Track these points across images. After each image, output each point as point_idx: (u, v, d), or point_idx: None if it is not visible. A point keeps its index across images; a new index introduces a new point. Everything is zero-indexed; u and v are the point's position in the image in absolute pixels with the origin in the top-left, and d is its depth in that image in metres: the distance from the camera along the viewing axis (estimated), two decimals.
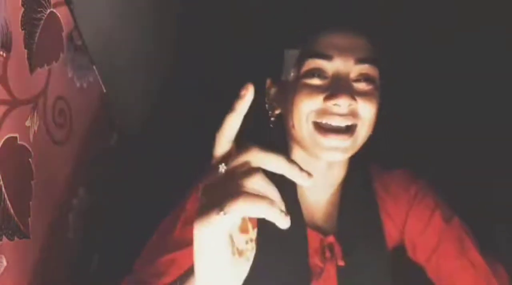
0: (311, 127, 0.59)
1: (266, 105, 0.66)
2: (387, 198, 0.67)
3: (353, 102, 0.57)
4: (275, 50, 0.64)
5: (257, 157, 0.37)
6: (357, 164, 0.67)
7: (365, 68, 0.59)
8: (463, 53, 0.82)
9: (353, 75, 0.59)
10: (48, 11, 0.64)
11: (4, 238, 0.54)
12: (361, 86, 0.59)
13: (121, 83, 0.84)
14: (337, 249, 0.63)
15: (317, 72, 0.59)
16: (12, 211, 0.55)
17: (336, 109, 0.57)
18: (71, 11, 0.70)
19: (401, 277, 0.66)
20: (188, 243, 0.40)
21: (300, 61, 0.60)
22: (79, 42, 0.73)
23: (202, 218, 0.36)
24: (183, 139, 0.87)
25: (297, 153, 0.65)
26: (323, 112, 0.58)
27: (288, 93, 0.61)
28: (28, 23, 0.59)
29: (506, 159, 0.76)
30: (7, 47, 0.54)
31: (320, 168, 0.64)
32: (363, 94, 0.58)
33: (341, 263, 0.62)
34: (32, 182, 0.60)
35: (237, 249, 0.39)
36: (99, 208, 0.80)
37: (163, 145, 0.88)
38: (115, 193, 0.84)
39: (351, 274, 0.63)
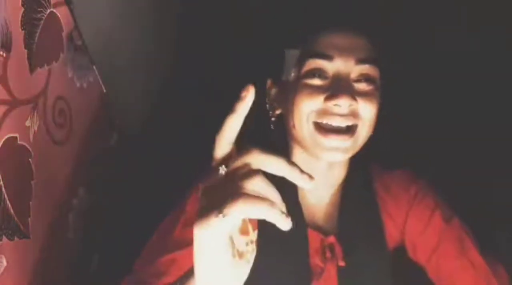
0: (311, 127, 0.59)
1: (267, 105, 0.66)
2: (387, 198, 0.67)
3: (353, 102, 0.57)
4: (275, 50, 0.64)
5: (258, 160, 0.37)
6: (358, 164, 0.67)
7: (365, 68, 0.59)
8: (463, 53, 0.82)
9: (353, 75, 0.59)
10: (48, 11, 0.64)
11: (4, 238, 0.54)
12: (362, 86, 0.59)
13: (121, 83, 0.84)
14: (338, 249, 0.63)
15: (318, 72, 0.59)
16: (12, 211, 0.55)
17: (336, 110, 0.57)
18: (71, 11, 0.70)
19: (402, 277, 0.66)
20: (188, 243, 0.40)
21: (300, 61, 0.60)
22: (79, 42, 0.73)
23: (202, 220, 0.36)
24: (183, 139, 0.87)
25: (297, 154, 0.65)
26: (324, 112, 0.58)
27: (289, 93, 0.61)
28: (28, 23, 0.59)
29: (506, 159, 0.76)
30: (7, 47, 0.54)
31: (320, 168, 0.64)
32: (364, 95, 0.58)
33: (341, 263, 0.62)
34: (32, 182, 0.60)
35: (238, 251, 0.39)
36: (99, 208, 0.80)
37: (163, 145, 0.88)
38: (115, 193, 0.84)
39: (352, 274, 0.63)
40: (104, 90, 0.81)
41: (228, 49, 0.89)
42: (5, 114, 0.54)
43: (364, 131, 0.59)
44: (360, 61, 0.58)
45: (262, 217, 0.35)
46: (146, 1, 0.87)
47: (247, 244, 0.40)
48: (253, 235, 0.40)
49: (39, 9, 0.62)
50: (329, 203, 0.67)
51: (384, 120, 0.62)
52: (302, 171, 0.37)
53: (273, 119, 0.66)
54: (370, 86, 0.59)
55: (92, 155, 0.78)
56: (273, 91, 0.66)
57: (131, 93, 0.87)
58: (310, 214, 0.66)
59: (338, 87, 0.57)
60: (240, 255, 0.39)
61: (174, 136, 0.88)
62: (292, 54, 0.61)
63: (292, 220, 0.36)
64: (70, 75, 0.71)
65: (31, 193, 0.60)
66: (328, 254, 0.63)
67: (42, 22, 0.62)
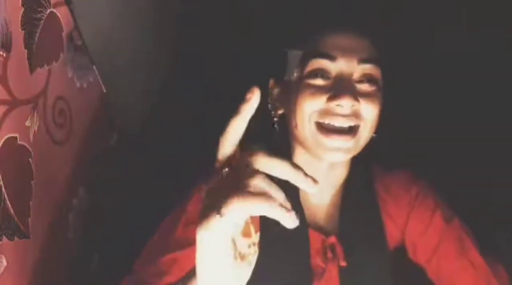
0: (313, 127, 0.59)
1: (269, 105, 0.66)
2: (388, 199, 0.67)
3: (356, 103, 0.57)
4: (275, 50, 0.64)
5: (262, 162, 0.36)
6: (359, 164, 0.67)
7: (368, 68, 0.59)
8: (463, 53, 0.82)
9: (356, 75, 0.59)
10: (48, 11, 0.64)
11: (4, 238, 0.54)
12: (364, 87, 0.59)
13: (121, 83, 0.84)
14: (339, 249, 0.63)
15: (321, 73, 0.59)
16: (12, 211, 0.55)
17: (339, 110, 0.57)
18: (71, 11, 0.70)
19: (402, 277, 0.66)
20: (189, 243, 0.40)
21: (303, 62, 0.60)
22: (79, 42, 0.73)
23: (203, 221, 0.36)
24: (183, 139, 0.87)
25: (299, 154, 0.65)
26: (326, 113, 0.58)
27: (291, 93, 0.61)
28: (28, 23, 0.59)
29: (506, 159, 0.76)
30: (7, 47, 0.54)
31: (322, 168, 0.64)
32: (366, 95, 0.58)
33: (343, 263, 0.63)
34: (32, 182, 0.60)
35: (240, 253, 0.39)
36: (99, 208, 0.80)
37: (163, 145, 0.88)
38: (115, 193, 0.84)
39: (353, 274, 0.63)
40: (104, 90, 0.81)
41: (228, 49, 0.89)
42: (5, 114, 0.54)
43: (366, 132, 0.60)
44: (362, 61, 0.58)
45: (261, 213, 0.35)
46: (146, 1, 0.87)
47: (249, 246, 0.40)
48: (255, 237, 0.40)
49: (39, 9, 0.62)
50: (330, 203, 0.68)
51: (384, 120, 0.62)
52: (306, 175, 0.36)
53: (275, 119, 0.66)
54: (373, 87, 0.59)
55: (92, 155, 0.78)
56: (276, 91, 0.66)
57: (131, 93, 0.87)
58: (311, 215, 0.66)
59: (340, 87, 0.57)
60: (242, 257, 0.39)
61: (174, 136, 0.88)
62: (295, 54, 0.61)
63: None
64: (70, 75, 0.71)
65: (31, 193, 0.60)
66: (329, 255, 0.63)
67: (42, 22, 0.62)
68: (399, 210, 0.67)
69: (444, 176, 0.70)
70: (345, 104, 0.57)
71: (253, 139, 0.38)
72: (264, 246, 0.42)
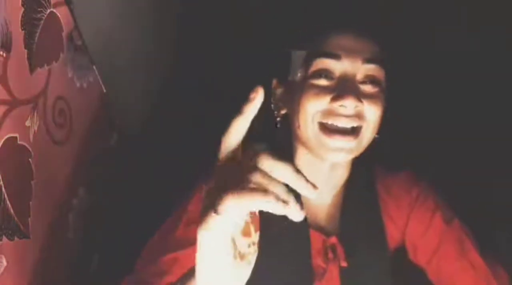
0: (316, 127, 0.59)
1: (272, 105, 0.66)
2: (389, 200, 0.67)
3: (359, 103, 0.57)
4: (279, 50, 0.64)
5: (265, 163, 0.36)
6: (360, 165, 0.67)
7: (371, 69, 0.59)
8: (463, 53, 0.82)
9: (359, 76, 0.59)
10: (48, 11, 0.64)
11: (4, 238, 0.54)
12: (368, 88, 0.59)
13: (121, 83, 0.84)
14: (340, 250, 0.64)
15: (324, 73, 0.59)
16: (12, 211, 0.55)
17: (342, 110, 0.58)
18: (71, 11, 0.70)
19: (402, 278, 0.66)
20: (190, 242, 0.40)
21: (307, 62, 0.60)
22: (79, 42, 0.73)
23: (202, 221, 0.36)
24: (183, 139, 0.87)
25: (301, 154, 0.65)
26: (329, 113, 0.58)
27: (295, 93, 0.61)
28: (28, 23, 0.59)
29: (506, 159, 0.76)
30: (7, 47, 0.54)
31: (324, 169, 0.64)
32: (369, 96, 0.59)
33: (343, 264, 0.63)
34: (32, 182, 0.60)
35: (239, 252, 0.39)
36: (99, 208, 0.80)
37: (163, 145, 0.88)
38: (115, 193, 0.84)
39: (354, 275, 0.63)
40: (104, 90, 0.81)
41: (228, 49, 0.89)
42: (5, 114, 0.54)
43: (368, 133, 0.60)
44: (366, 61, 0.58)
45: (258, 208, 0.35)
46: (146, 1, 0.87)
47: (249, 245, 0.40)
48: (255, 236, 0.40)
49: (39, 9, 0.62)
50: (331, 204, 0.68)
51: (385, 120, 0.62)
52: (307, 180, 0.36)
53: (278, 119, 0.66)
54: (376, 88, 0.59)
55: (92, 155, 0.78)
56: (279, 91, 0.66)
57: (131, 93, 0.87)
58: (312, 215, 0.66)
59: (344, 88, 0.58)
60: (242, 256, 0.39)
61: (174, 136, 0.88)
62: (299, 54, 0.61)
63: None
64: (70, 75, 0.71)
65: (31, 193, 0.60)
66: (330, 255, 0.63)
67: (42, 22, 0.62)
68: (400, 211, 0.67)
69: (444, 176, 0.70)
70: (348, 105, 0.57)
71: (256, 139, 0.38)
72: (265, 246, 0.42)
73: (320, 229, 0.65)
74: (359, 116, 0.58)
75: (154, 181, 0.84)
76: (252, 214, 0.39)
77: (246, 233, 0.39)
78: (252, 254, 0.40)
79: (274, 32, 0.69)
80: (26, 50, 0.58)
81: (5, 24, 0.54)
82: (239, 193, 0.35)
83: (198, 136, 0.76)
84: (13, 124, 0.55)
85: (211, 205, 0.36)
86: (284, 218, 0.36)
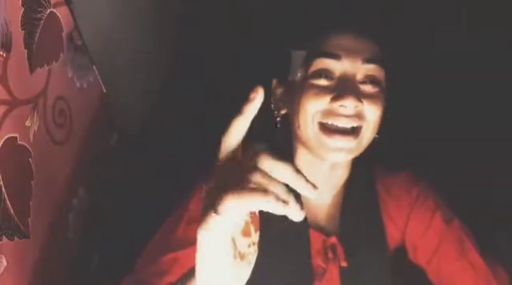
0: (316, 127, 0.59)
1: (272, 105, 0.66)
2: (388, 200, 0.67)
3: (359, 104, 0.57)
4: (279, 50, 0.64)
5: (265, 163, 0.36)
6: (360, 165, 0.67)
7: (371, 69, 0.59)
8: (463, 53, 0.82)
9: (359, 76, 0.59)
10: (48, 11, 0.64)
11: (4, 238, 0.54)
12: (368, 88, 0.59)
13: (121, 83, 0.84)
14: (340, 250, 0.64)
15: (324, 73, 0.59)
16: (12, 211, 0.55)
17: (342, 110, 0.58)
18: (71, 11, 0.70)
19: (402, 278, 0.66)
20: (191, 242, 0.40)
21: (307, 61, 0.60)
22: (79, 42, 0.73)
23: (202, 221, 0.36)
24: (183, 139, 0.87)
25: (301, 154, 0.65)
26: (329, 113, 0.58)
27: (295, 93, 0.61)
28: (28, 23, 0.59)
29: (506, 159, 0.76)
30: (7, 47, 0.54)
31: (324, 169, 0.64)
32: (369, 96, 0.59)
33: (343, 264, 0.63)
34: (32, 182, 0.60)
35: (239, 252, 0.39)
36: (99, 208, 0.80)
37: (163, 145, 0.88)
38: (115, 193, 0.84)
39: (354, 275, 0.63)
40: (104, 90, 0.81)
41: (228, 49, 0.89)
42: (5, 114, 0.54)
43: (368, 133, 0.60)
44: (366, 60, 0.59)
45: (258, 208, 0.35)
46: (146, 1, 0.87)
47: (249, 245, 0.40)
48: (255, 236, 0.40)
49: (39, 9, 0.62)
50: (331, 203, 0.68)
51: (385, 120, 0.62)
52: (307, 181, 0.36)
53: (278, 119, 0.66)
54: (376, 88, 0.59)
55: (92, 155, 0.78)
56: (279, 91, 0.66)
57: (131, 93, 0.87)
58: (312, 215, 0.66)
59: (344, 88, 0.58)
60: (242, 256, 0.39)
61: (174, 136, 0.88)
62: (299, 54, 0.61)
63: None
64: (70, 75, 0.71)
65: (31, 193, 0.60)
66: (330, 255, 0.63)
67: (42, 22, 0.62)
68: (400, 211, 0.67)
69: (444, 176, 0.70)
70: (348, 105, 0.57)
71: (256, 139, 0.38)
72: (265, 246, 0.42)
73: (320, 229, 0.65)
74: (359, 116, 0.58)
75: (154, 181, 0.84)
76: (252, 214, 0.39)
77: (246, 233, 0.39)
78: (252, 254, 0.40)
79: (274, 32, 0.69)
80: (26, 50, 0.58)
81: (5, 24, 0.54)
82: (239, 193, 0.35)
83: (198, 136, 0.76)
84: (13, 124, 0.55)
85: (211, 205, 0.36)
86: (284, 218, 0.36)
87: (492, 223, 0.73)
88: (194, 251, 0.39)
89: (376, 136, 0.62)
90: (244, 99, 0.37)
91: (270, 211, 0.35)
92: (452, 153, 0.80)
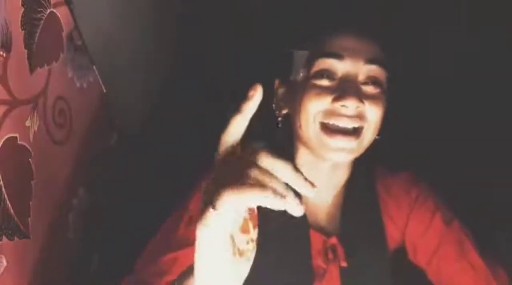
0: (318, 127, 0.59)
1: (273, 105, 0.66)
2: (389, 200, 0.67)
3: (360, 104, 0.57)
4: (281, 50, 0.64)
5: (265, 161, 0.36)
6: (361, 166, 0.67)
7: (373, 69, 0.59)
8: (463, 53, 0.82)
9: (361, 77, 0.59)
10: (48, 11, 0.64)
11: (4, 238, 0.54)
12: (369, 89, 0.59)
13: (121, 83, 0.84)
14: (340, 250, 0.64)
15: (326, 73, 0.59)
16: (12, 211, 0.55)
17: (344, 111, 0.58)
18: (71, 11, 0.70)
19: (402, 279, 0.66)
20: (191, 242, 0.40)
21: (310, 62, 0.60)
22: (79, 42, 0.73)
23: (201, 217, 0.36)
24: (183, 139, 0.87)
25: (302, 154, 0.65)
26: (331, 113, 0.58)
27: (296, 93, 0.61)
28: (28, 23, 0.59)
29: (506, 159, 0.76)
30: (7, 47, 0.54)
31: (324, 169, 0.64)
32: (371, 97, 0.59)
33: (343, 264, 0.63)
34: (32, 182, 0.60)
35: (238, 249, 0.39)
36: (99, 208, 0.80)
37: (163, 145, 0.88)
38: (115, 193, 0.84)
39: (354, 275, 0.63)
40: (104, 90, 0.81)
41: (228, 49, 0.89)
42: (5, 114, 0.54)
43: (369, 134, 0.60)
44: (368, 61, 0.59)
45: (256, 203, 0.35)
46: (146, 1, 0.87)
47: (247, 242, 0.40)
48: (254, 233, 0.40)
49: (39, 9, 0.62)
50: (331, 204, 0.68)
51: (385, 121, 0.62)
52: (306, 179, 0.36)
53: (279, 119, 0.66)
54: (377, 89, 0.60)
55: (92, 155, 0.78)
56: (281, 91, 0.66)
57: (131, 93, 0.87)
58: (312, 215, 0.66)
59: (346, 88, 0.58)
60: (241, 253, 0.39)
61: (174, 136, 0.88)
62: (301, 54, 0.61)
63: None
64: (70, 75, 0.71)
65: (31, 193, 0.60)
66: (330, 255, 0.63)
67: (42, 22, 0.62)
68: (400, 211, 0.67)
69: (444, 176, 0.70)
70: (350, 105, 0.57)
71: (255, 138, 0.38)
72: (265, 247, 0.42)
73: (321, 229, 0.65)
74: (360, 116, 0.58)
75: (154, 181, 0.84)
76: (250, 210, 0.39)
77: (244, 230, 0.39)
78: (250, 251, 0.40)
79: (274, 32, 0.69)
80: (26, 50, 0.58)
81: (5, 24, 0.54)
82: (238, 188, 0.34)
83: (198, 136, 0.76)
84: (13, 124, 0.55)
85: (209, 201, 0.36)
86: (283, 213, 0.36)
87: (492, 223, 0.73)
88: (194, 251, 0.39)
89: (377, 137, 0.62)
90: (244, 99, 0.37)
91: (269, 206, 0.35)
92: (452, 153, 0.80)
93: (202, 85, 0.90)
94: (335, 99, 0.58)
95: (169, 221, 0.64)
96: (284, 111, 0.66)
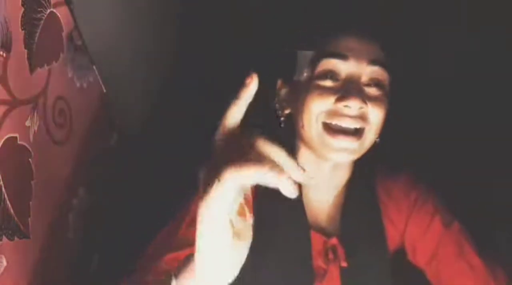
0: (320, 127, 0.59)
1: (276, 105, 0.67)
2: (389, 203, 0.68)
3: (363, 105, 0.58)
4: (281, 50, 0.64)
5: (261, 145, 0.37)
6: (361, 167, 0.67)
7: (376, 70, 0.60)
8: (463, 53, 0.82)
9: (364, 79, 0.60)
10: (48, 11, 0.64)
11: (4, 238, 0.54)
12: (372, 90, 0.60)
13: (121, 83, 0.84)
14: (340, 251, 0.64)
15: (330, 74, 0.60)
16: (12, 211, 0.55)
17: (346, 111, 0.58)
18: (71, 11, 0.70)
19: (402, 279, 0.66)
20: (192, 243, 0.41)
21: (314, 62, 0.60)
22: (79, 42, 0.73)
23: (204, 194, 0.37)
24: (183, 139, 0.87)
25: (304, 154, 0.65)
26: (334, 113, 0.59)
27: (299, 93, 0.62)
28: (28, 23, 0.59)
29: (506, 159, 0.76)
30: (7, 47, 0.54)
31: (326, 169, 0.65)
32: (374, 99, 0.59)
33: (344, 264, 0.63)
34: (32, 182, 0.60)
35: (236, 231, 0.40)
36: (99, 208, 0.80)
37: (163, 145, 0.88)
38: (115, 193, 0.84)
39: (354, 275, 0.63)
40: (104, 90, 0.81)
41: (228, 49, 0.89)
42: (5, 114, 0.54)
43: (371, 135, 0.60)
44: (372, 62, 0.59)
45: (256, 180, 0.36)
46: (146, 1, 0.87)
47: (245, 225, 0.41)
48: (250, 219, 0.41)
49: (39, 9, 0.62)
50: (332, 204, 0.68)
51: (386, 121, 0.62)
52: (298, 164, 0.37)
53: (282, 118, 0.67)
54: (380, 91, 0.60)
55: (92, 155, 0.78)
56: (283, 91, 0.67)
57: (131, 93, 0.87)
58: (313, 216, 0.66)
59: (349, 89, 0.58)
60: (239, 235, 0.40)
61: (174, 136, 0.88)
62: (305, 54, 0.62)
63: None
64: (70, 75, 0.71)
65: (31, 193, 0.60)
66: (331, 256, 0.63)
67: (42, 22, 0.62)
68: (400, 215, 0.67)
69: (444, 176, 0.70)
70: (353, 106, 0.57)
71: (252, 126, 0.39)
72: (266, 246, 0.42)
73: (321, 230, 0.66)
74: (362, 117, 0.59)
75: (154, 181, 0.84)
76: (246, 196, 0.41)
77: (241, 213, 0.41)
78: (248, 236, 0.41)
79: (274, 32, 0.69)
80: (26, 50, 0.58)
81: (5, 24, 0.54)
82: (240, 164, 0.36)
83: (198, 136, 0.76)
84: (13, 124, 0.55)
85: (212, 177, 0.37)
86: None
87: (492, 223, 0.73)
88: (195, 251, 0.39)
89: (377, 139, 0.62)
90: (243, 84, 0.39)
91: (267, 183, 0.36)
92: (452, 153, 0.80)
93: (202, 85, 0.90)
94: (338, 100, 0.58)
95: (170, 223, 0.64)
96: (287, 111, 0.66)
